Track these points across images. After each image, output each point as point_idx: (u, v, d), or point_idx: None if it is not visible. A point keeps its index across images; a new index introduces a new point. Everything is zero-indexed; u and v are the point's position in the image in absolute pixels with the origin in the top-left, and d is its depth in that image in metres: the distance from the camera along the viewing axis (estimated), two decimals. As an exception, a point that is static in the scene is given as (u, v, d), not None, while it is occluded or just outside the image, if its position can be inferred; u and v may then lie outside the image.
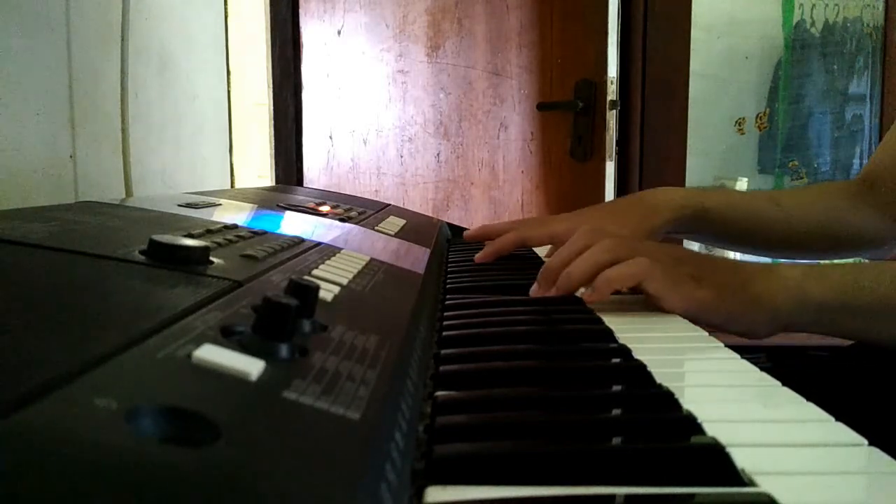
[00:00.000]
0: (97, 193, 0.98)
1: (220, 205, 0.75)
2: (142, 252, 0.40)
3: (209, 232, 0.52)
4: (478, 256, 0.80)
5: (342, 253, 0.58)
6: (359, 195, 1.63)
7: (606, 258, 0.56)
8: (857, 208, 0.80)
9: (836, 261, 0.79)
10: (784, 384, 0.40)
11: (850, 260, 0.88)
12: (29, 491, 0.15)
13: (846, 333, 0.57)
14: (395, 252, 0.69)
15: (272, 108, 1.84)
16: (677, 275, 0.55)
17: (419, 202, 1.99)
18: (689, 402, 0.35)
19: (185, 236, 0.45)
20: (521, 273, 0.77)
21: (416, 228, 0.96)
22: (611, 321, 0.53)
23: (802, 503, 0.26)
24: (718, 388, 0.42)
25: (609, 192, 1.98)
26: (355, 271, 0.51)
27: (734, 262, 0.59)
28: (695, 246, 1.38)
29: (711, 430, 0.31)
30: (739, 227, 0.80)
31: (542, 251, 0.89)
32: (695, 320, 0.54)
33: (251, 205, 0.81)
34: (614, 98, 1.95)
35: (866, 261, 0.82)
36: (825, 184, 0.83)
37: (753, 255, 0.91)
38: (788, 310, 0.54)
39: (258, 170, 1.81)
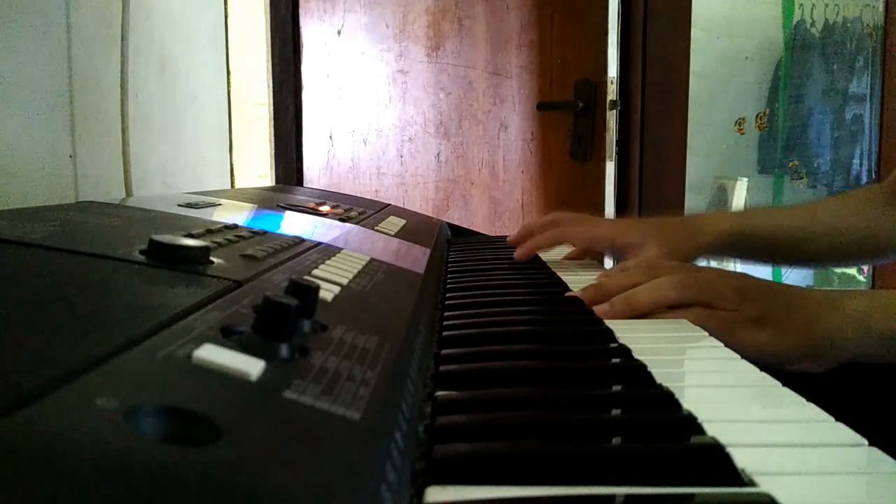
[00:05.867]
0: (97, 193, 0.98)
1: (220, 205, 0.75)
2: (142, 252, 0.40)
3: (209, 232, 0.52)
4: (518, 254, 0.82)
5: (342, 253, 0.58)
6: (359, 195, 1.63)
7: (673, 296, 0.55)
8: (889, 214, 0.80)
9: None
10: (784, 384, 0.40)
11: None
12: (29, 491, 0.15)
13: None
14: (395, 252, 0.69)
15: (272, 108, 1.84)
16: (736, 319, 0.54)
17: (419, 202, 1.98)
18: (690, 402, 0.35)
19: (185, 236, 0.45)
20: (521, 273, 0.77)
21: (416, 228, 0.96)
22: (611, 321, 0.53)
23: (802, 503, 0.26)
24: (718, 388, 0.42)
25: (609, 192, 1.98)
26: (355, 271, 0.51)
27: (798, 293, 0.57)
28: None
29: (711, 430, 0.31)
30: (782, 246, 0.80)
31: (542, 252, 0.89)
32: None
33: (251, 205, 0.81)
34: (614, 98, 1.95)
35: None
36: (856, 192, 0.82)
37: (798, 268, 0.89)
38: (853, 345, 0.53)
39: (258, 170, 1.81)
